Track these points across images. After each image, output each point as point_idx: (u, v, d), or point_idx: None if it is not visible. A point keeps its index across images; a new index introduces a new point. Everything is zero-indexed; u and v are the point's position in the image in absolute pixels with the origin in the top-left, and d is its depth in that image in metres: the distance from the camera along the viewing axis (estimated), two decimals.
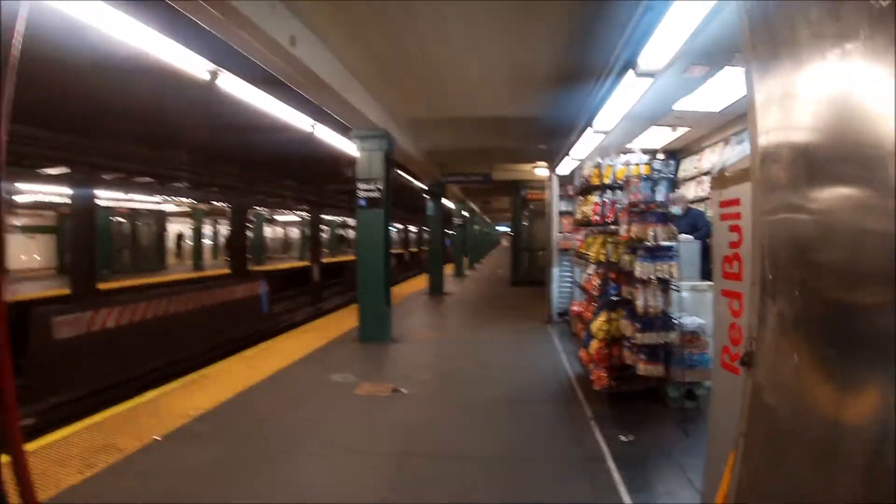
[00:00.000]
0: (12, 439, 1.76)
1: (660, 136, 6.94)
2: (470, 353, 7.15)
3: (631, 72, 3.63)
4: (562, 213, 9.44)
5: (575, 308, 7.89)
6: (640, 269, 4.04)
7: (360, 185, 7.46)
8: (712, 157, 7.14)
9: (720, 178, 2.33)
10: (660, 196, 4.18)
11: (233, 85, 5.10)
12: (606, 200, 4.82)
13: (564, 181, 9.41)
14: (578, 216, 5.86)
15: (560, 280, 9.25)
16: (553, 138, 8.54)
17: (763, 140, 1.63)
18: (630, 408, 4.49)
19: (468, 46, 5.25)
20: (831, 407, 1.47)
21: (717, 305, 2.37)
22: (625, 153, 5.14)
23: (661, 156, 8.84)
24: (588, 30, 4.46)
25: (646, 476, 3.32)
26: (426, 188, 13.52)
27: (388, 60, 5.70)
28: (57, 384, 7.78)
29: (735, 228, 2.22)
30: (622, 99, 4.25)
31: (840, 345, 1.44)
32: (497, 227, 49.26)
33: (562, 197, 9.42)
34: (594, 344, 4.92)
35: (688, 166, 7.98)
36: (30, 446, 3.37)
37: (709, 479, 2.38)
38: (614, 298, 4.72)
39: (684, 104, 4.98)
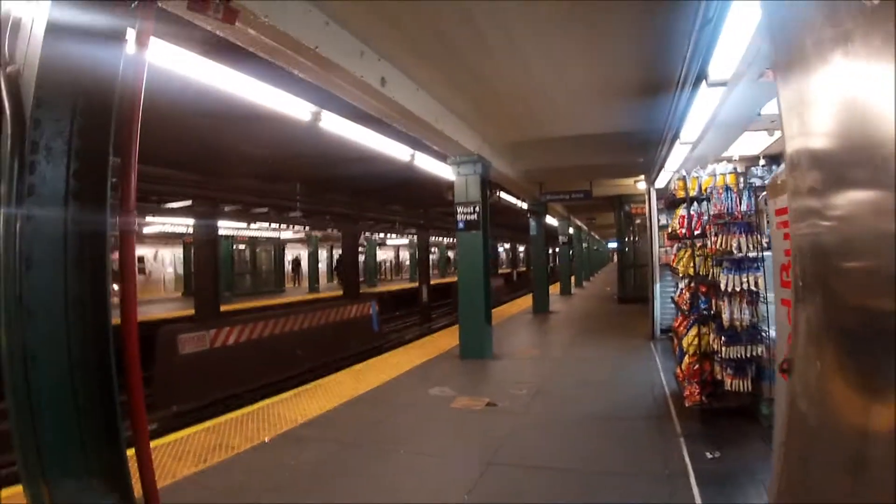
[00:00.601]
0: (139, 438, 2.22)
1: (758, 142, 6.62)
2: (569, 369, 7.17)
3: (703, 83, 3.63)
4: (662, 227, 9.16)
5: (675, 325, 7.62)
6: (726, 280, 3.93)
7: (459, 209, 7.82)
8: None
9: (774, 187, 2.33)
10: (744, 206, 4.06)
11: (333, 123, 5.68)
12: (693, 213, 4.72)
13: (662, 194, 9.15)
14: (669, 230, 5.74)
15: (663, 296, 8.95)
16: (647, 151, 8.38)
17: (789, 148, 1.69)
18: (721, 425, 4.32)
19: (547, 70, 5.43)
20: (854, 415, 1.49)
21: (778, 315, 2.35)
22: (723, 161, 5.01)
23: (762, 161, 8.40)
24: (661, 42, 4.45)
25: (726, 493, 3.25)
26: (527, 208, 13.65)
27: (472, 91, 6.04)
28: (180, 394, 8.84)
29: (788, 237, 2.21)
30: (701, 109, 4.21)
31: (860, 350, 1.46)
32: (608, 244, 47.75)
33: (661, 210, 9.15)
34: (686, 359, 4.80)
35: None
36: (151, 444, 4.00)
37: (772, 492, 2.33)
38: (705, 312, 4.59)
39: (773, 108, 4.76)
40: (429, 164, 8.69)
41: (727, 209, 4.06)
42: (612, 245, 53.37)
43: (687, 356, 4.75)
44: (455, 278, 28.23)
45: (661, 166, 7.02)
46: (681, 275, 5.10)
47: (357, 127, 6.06)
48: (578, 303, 16.79)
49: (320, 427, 4.74)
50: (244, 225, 15.50)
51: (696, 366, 4.58)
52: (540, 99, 6.42)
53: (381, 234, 24.28)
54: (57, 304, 2.05)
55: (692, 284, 4.88)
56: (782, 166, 2.38)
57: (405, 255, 34.77)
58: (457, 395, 5.79)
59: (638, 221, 15.06)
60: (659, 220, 9.11)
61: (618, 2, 3.95)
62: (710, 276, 4.44)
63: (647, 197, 9.16)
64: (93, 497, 2.10)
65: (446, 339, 9.55)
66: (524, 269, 40.58)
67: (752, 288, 3.89)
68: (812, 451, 1.61)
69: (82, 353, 2.09)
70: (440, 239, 31.39)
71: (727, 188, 4.13)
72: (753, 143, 6.42)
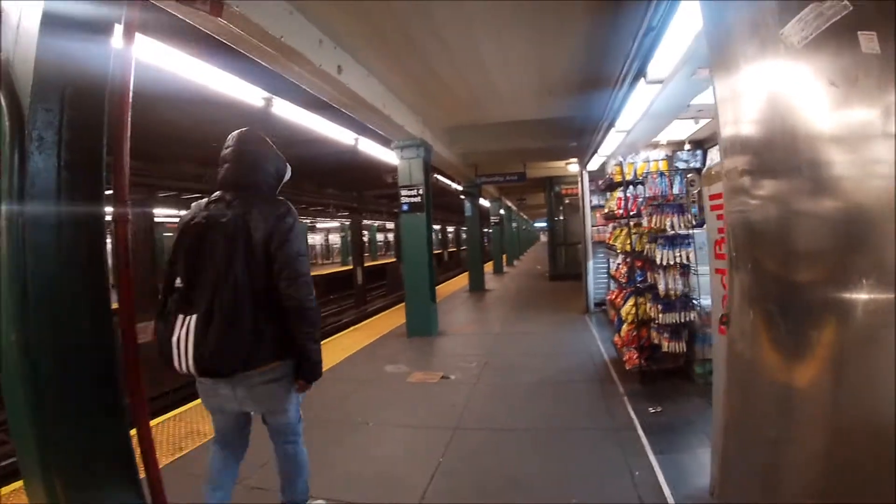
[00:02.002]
0: (140, 421, 2.34)
1: (684, 128, 7.26)
2: (512, 343, 7.62)
3: (642, 80, 4.05)
4: (594, 208, 9.81)
5: (610, 297, 8.27)
6: (661, 255, 4.44)
7: (403, 192, 8.05)
8: None
9: (708, 176, 2.77)
10: (676, 189, 4.58)
11: (284, 109, 5.75)
12: (629, 195, 5.22)
13: (594, 176, 9.77)
14: (606, 210, 6.28)
15: (595, 272, 9.62)
16: (583, 136, 8.90)
17: (724, 135, 2.07)
18: (659, 384, 4.89)
19: (497, 62, 5.74)
20: (779, 353, 1.92)
21: (713, 282, 2.80)
22: (654, 147, 5.54)
23: (687, 146, 9.12)
24: (604, 41, 4.87)
25: (671, 440, 3.75)
26: (462, 189, 14.05)
27: (420, 78, 6.24)
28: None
29: (721, 217, 2.65)
30: (638, 102, 4.66)
31: (781, 305, 1.89)
32: (535, 224, 49.31)
33: (593, 192, 9.78)
34: (624, 327, 5.34)
35: (715, 155, 8.23)
36: None
37: (716, 432, 2.80)
38: (640, 284, 5.12)
39: (702, 98, 5.32)
40: (371, 149, 8.83)
41: (661, 192, 4.57)
42: (540, 224, 55.25)
43: (626, 324, 5.30)
44: (387, 260, 28.44)
45: (595, 151, 7.53)
46: (619, 251, 5.62)
47: (306, 113, 6.14)
48: (511, 281, 17.49)
49: None
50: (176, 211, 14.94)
51: (635, 333, 5.12)
52: (485, 87, 6.72)
53: (312, 219, 23.96)
54: (59, 294, 2.10)
55: (629, 260, 5.41)
56: (716, 158, 2.82)
57: (335, 239, 34.40)
58: (412, 370, 6.10)
59: (567, 201, 15.84)
60: (591, 201, 9.75)
61: (570, 7, 4.31)
62: (645, 252, 4.96)
63: (580, 179, 9.75)
64: (102, 483, 2.21)
65: (389, 320, 9.81)
66: (454, 249, 41.25)
67: (684, 262, 4.43)
68: (747, 384, 2.04)
69: (85, 341, 2.16)
70: (374, 222, 31.37)
71: (661, 173, 4.63)
72: (681, 129, 7.06)
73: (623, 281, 5.51)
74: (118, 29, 2.23)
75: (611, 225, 6.54)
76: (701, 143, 8.64)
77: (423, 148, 7.95)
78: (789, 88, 1.86)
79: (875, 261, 1.81)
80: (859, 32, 1.78)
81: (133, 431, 2.35)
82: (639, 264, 5.17)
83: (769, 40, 1.88)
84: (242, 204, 2.21)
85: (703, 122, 7.02)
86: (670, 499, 2.94)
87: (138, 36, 2.37)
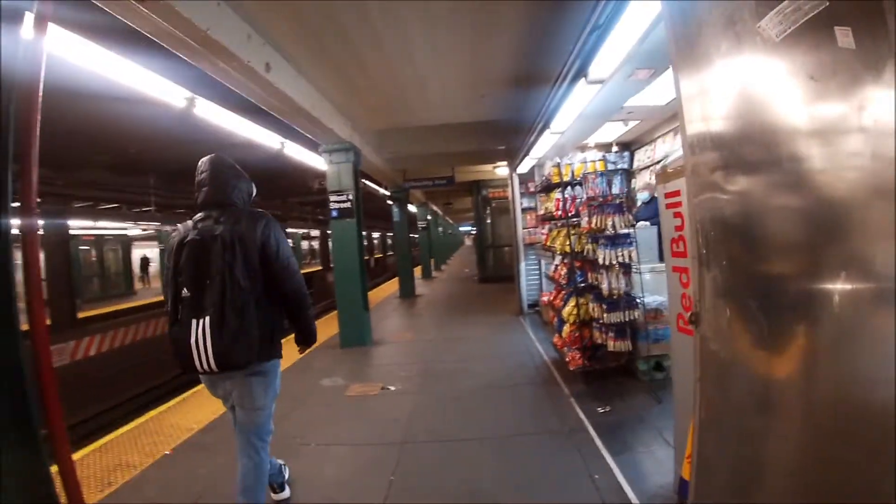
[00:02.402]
0: (59, 448, 2.03)
1: (613, 130, 7.47)
2: (449, 349, 7.46)
3: (583, 80, 4.06)
4: (524, 210, 9.92)
5: (544, 298, 8.36)
6: (603, 255, 4.47)
7: (332, 198, 7.71)
8: (664, 147, 7.74)
9: (664, 174, 2.76)
10: (615, 189, 4.63)
11: (207, 109, 5.32)
12: (567, 196, 5.25)
13: (525, 179, 9.89)
14: (542, 212, 6.31)
15: (528, 273, 9.73)
16: (513, 139, 8.97)
17: (689, 131, 2.03)
18: (604, 384, 4.92)
19: (430, 61, 5.61)
20: (758, 348, 1.90)
21: (670, 280, 2.79)
22: (582, 150, 5.62)
23: (615, 148, 9.45)
24: (544, 41, 4.87)
25: (624, 440, 3.74)
26: (389, 195, 13.82)
27: (351, 79, 6.01)
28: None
29: (678, 215, 2.64)
30: (576, 102, 4.69)
31: (759, 301, 1.87)
32: (460, 228, 49.76)
33: (523, 194, 9.90)
34: (566, 328, 5.35)
35: (642, 156, 8.57)
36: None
37: (678, 430, 2.79)
38: (581, 285, 5.16)
39: (634, 100, 5.46)
40: (298, 153, 8.45)
41: (602, 192, 4.61)
42: (464, 228, 56.04)
43: (567, 325, 5.31)
44: (311, 269, 27.78)
45: (527, 153, 7.60)
46: (558, 252, 5.64)
47: (231, 115, 5.73)
48: (441, 285, 17.42)
49: (221, 431, 4.46)
50: (90, 223, 13.68)
51: (577, 333, 5.14)
52: (416, 88, 6.57)
53: None
54: None
55: (568, 261, 5.44)
56: (671, 157, 2.83)
57: None
58: (349, 383, 5.82)
59: (494, 205, 16.00)
60: (522, 203, 9.85)
61: (508, 4, 4.25)
62: (585, 252, 4.99)
63: (510, 182, 9.82)
64: None
65: (320, 332, 9.38)
66: (380, 255, 40.78)
67: (626, 261, 4.48)
68: (727, 379, 2.01)
69: None
70: (297, 230, 30.49)
71: (602, 174, 4.68)
72: (609, 132, 7.25)
73: (563, 282, 5.53)
74: (28, 18, 1.93)
75: (546, 226, 6.58)
76: (628, 145, 9.00)
77: (352, 152, 7.68)
78: (767, 83, 1.85)
79: (852, 253, 1.84)
80: (836, 28, 1.80)
81: (54, 468, 2.04)
82: (578, 265, 5.20)
83: (745, 34, 1.86)
84: (229, 219, 2.56)
85: (632, 124, 7.28)
86: (634, 499, 2.91)
87: (51, 27, 2.06)
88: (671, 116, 7.23)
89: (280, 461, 3.32)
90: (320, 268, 27.99)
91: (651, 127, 7.85)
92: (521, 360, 6.32)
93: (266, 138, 7.19)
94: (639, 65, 4.14)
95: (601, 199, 4.64)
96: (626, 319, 4.55)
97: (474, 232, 17.48)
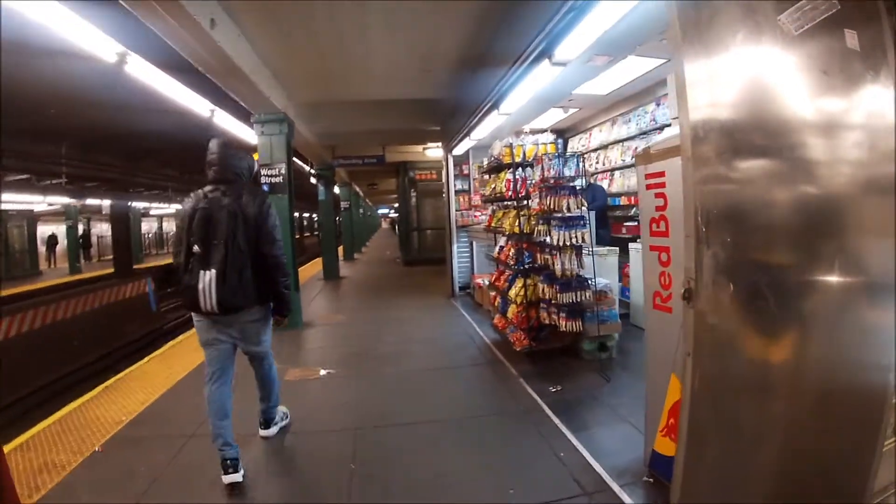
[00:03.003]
0: None
1: (552, 117, 7.58)
2: (386, 331, 7.29)
3: (546, 61, 4.03)
4: (458, 192, 9.90)
5: (478, 281, 8.41)
6: (558, 236, 4.52)
7: (263, 171, 7.27)
8: (600, 136, 7.97)
9: (645, 155, 2.79)
10: (569, 171, 4.69)
11: (139, 67, 4.77)
12: (518, 178, 5.25)
13: (459, 161, 9.85)
14: (487, 192, 6.28)
15: (459, 256, 9.75)
16: (450, 120, 8.88)
17: (694, 116, 2.03)
18: (550, 364, 5.01)
19: (382, 34, 5.37)
20: (760, 322, 1.96)
21: (646, 259, 2.84)
22: (517, 134, 5.64)
23: (550, 135, 9.61)
24: (510, 14, 4.76)
25: (582, 418, 3.82)
26: (315, 172, 13.28)
27: (300, 46, 5.64)
28: None
29: (660, 195, 2.69)
30: (532, 84, 4.67)
31: (764, 277, 1.93)
32: (378, 210, 49.15)
33: (457, 176, 9.86)
34: (513, 308, 5.39)
35: (576, 144, 8.80)
36: None
37: (651, 405, 2.86)
38: (529, 265, 5.20)
39: (579, 89, 5.54)
40: (228, 123, 7.89)
41: (559, 174, 4.64)
42: (383, 211, 55.36)
43: (514, 305, 5.34)
44: None
45: (467, 134, 7.54)
46: (507, 233, 5.64)
47: (163, 76, 5.18)
48: (365, 268, 17.12)
49: (154, 423, 4.08)
50: None
51: (524, 314, 5.20)
52: (362, 60, 6.28)
53: (147, 203, 20.88)
54: None
55: (514, 241, 5.47)
56: (660, 136, 2.87)
57: (169, 227, 30.92)
58: (287, 367, 5.53)
59: (421, 186, 15.88)
60: (456, 185, 9.82)
61: None
62: (534, 233, 5.03)
63: (444, 163, 9.73)
64: None
65: None
66: (298, 236, 39.46)
67: (579, 242, 4.55)
68: (726, 350, 2.05)
69: None
70: None
71: (557, 155, 4.71)
72: (547, 117, 7.36)
73: (511, 263, 5.55)
74: None
75: (490, 208, 6.58)
76: (562, 133, 9.20)
77: (286, 123, 7.25)
78: (781, 73, 1.90)
79: (844, 242, 1.94)
80: (845, 30, 1.88)
81: None
82: (526, 246, 5.24)
83: (766, 25, 1.90)
84: (233, 193, 3.11)
85: (572, 111, 7.43)
86: (605, 475, 2.97)
87: None
88: (609, 107, 7.49)
89: (284, 408, 3.97)
90: None
91: (588, 116, 8.07)
92: (461, 340, 6.33)
93: (197, 104, 6.60)
94: (599, 51, 4.18)
95: (553, 181, 4.68)
96: (578, 300, 4.63)
97: (393, 214, 17.27)
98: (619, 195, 7.60)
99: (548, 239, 4.72)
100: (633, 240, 6.14)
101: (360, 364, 5.60)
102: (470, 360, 5.52)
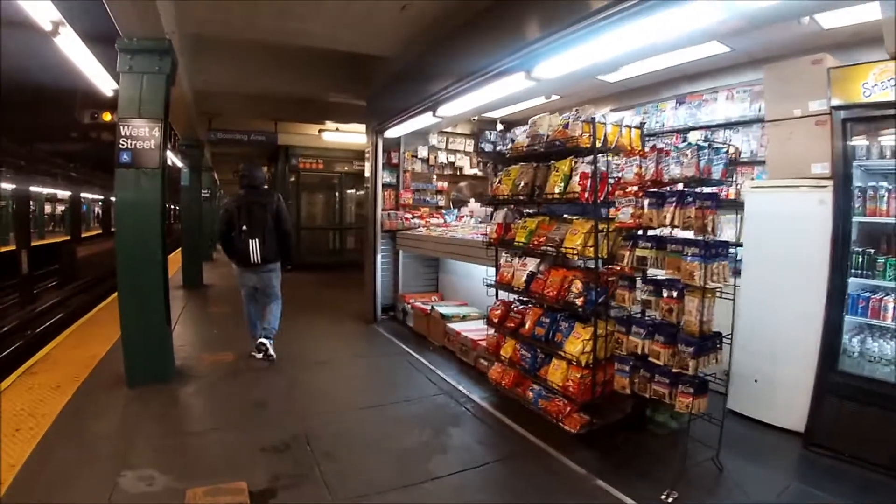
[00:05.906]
0: None
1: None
2: (305, 386, 4.84)
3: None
4: (385, 186, 7.78)
5: (416, 303, 6.48)
6: (701, 272, 2.79)
7: (125, 129, 4.51)
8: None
9: None
10: (716, 174, 2.98)
11: None
12: (599, 170, 3.39)
13: (389, 147, 7.75)
14: (504, 189, 4.20)
15: (383, 268, 7.66)
16: (388, 90, 6.76)
17: None
18: (615, 446, 3.39)
19: None
20: None
21: None
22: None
23: (499, 126, 7.96)
24: None
25: None
26: (182, 146, 10.02)
27: None
28: None
29: None
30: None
31: None
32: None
33: (385, 166, 7.74)
34: (567, 371, 3.55)
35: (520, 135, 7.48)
36: None
37: None
38: (601, 306, 3.42)
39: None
40: (71, 52, 4.98)
41: (705, 173, 2.90)
42: None
43: (571, 366, 3.51)
44: (59, 238, 22.09)
45: (432, 108, 5.58)
46: (573, 254, 3.68)
47: None
48: (229, 270, 13.78)
49: None
50: None
51: (587, 378, 3.41)
52: None
53: None
54: None
55: (576, 270, 3.64)
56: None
57: None
58: (180, 485, 2.98)
59: (305, 177, 13.30)
60: (383, 177, 7.70)
61: None
62: (618, 259, 3.27)
63: (372, 148, 7.54)
64: None
65: (82, 341, 5.97)
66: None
67: (720, 283, 2.86)
68: None
69: None
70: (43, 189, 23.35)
71: (699, 146, 2.94)
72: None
73: (555, 295, 3.66)
74: None
75: (488, 212, 4.64)
76: (511, 125, 7.58)
77: (168, 59, 4.56)
78: None
79: None
80: None
81: None
82: (609, 277, 3.45)
83: None
84: (261, 195, 5.44)
85: (532, 103, 6.32)
86: None
87: None
88: (609, 96, 6.28)
89: (273, 355, 5.51)
90: (68, 237, 21.97)
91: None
92: (443, 411, 4.22)
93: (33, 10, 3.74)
94: None
95: (686, 184, 2.95)
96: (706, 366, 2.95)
97: None
98: None
99: (650, 272, 2.99)
100: None
101: (309, 475, 3.18)
102: (487, 450, 3.53)
